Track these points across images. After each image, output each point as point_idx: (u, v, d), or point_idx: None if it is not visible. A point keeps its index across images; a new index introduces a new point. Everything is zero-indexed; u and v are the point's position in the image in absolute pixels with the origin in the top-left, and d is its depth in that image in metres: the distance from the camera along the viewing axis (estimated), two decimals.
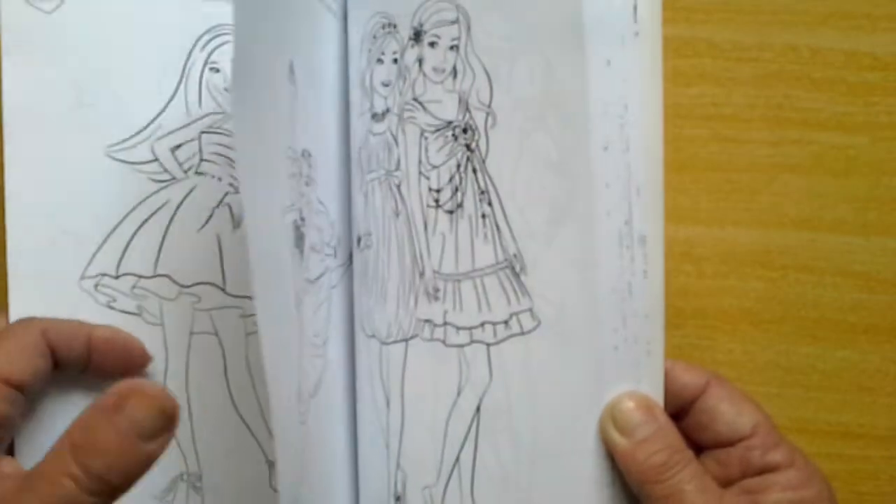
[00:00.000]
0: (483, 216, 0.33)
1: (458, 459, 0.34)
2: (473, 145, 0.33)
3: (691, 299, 0.44)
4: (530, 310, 0.33)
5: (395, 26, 0.35)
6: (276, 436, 0.31)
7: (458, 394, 0.34)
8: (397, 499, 0.35)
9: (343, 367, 0.38)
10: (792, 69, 0.44)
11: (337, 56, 0.39)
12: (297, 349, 0.34)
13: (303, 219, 0.35)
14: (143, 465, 0.29)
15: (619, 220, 0.32)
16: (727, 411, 0.33)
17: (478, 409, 0.34)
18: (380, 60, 0.36)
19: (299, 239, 0.34)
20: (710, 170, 0.44)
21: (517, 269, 0.33)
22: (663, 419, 0.32)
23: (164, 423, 0.29)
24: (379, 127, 0.36)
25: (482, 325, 0.33)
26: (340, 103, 0.39)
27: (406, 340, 0.35)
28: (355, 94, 0.38)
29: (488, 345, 0.33)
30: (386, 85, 0.35)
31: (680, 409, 0.34)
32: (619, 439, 0.31)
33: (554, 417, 0.33)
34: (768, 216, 0.44)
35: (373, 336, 0.36)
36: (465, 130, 0.34)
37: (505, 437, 0.33)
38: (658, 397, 0.32)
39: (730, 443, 0.33)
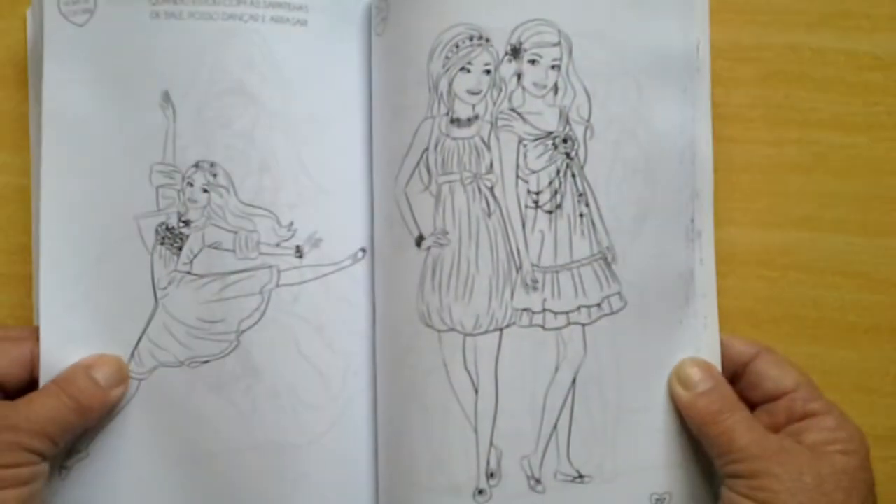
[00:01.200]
0: (581, 215, 0.39)
1: (555, 427, 0.40)
2: (573, 153, 0.39)
3: None
4: (619, 293, 0.40)
5: (488, 40, 0.39)
6: None
7: (556, 370, 0.40)
8: (490, 475, 0.40)
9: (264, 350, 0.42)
10: (792, 69, 0.44)
11: (311, 66, 0.42)
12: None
13: (184, 221, 0.41)
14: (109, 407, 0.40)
15: (686, 218, 0.40)
16: (774, 372, 0.39)
17: (573, 381, 0.40)
18: (465, 69, 0.39)
19: (169, 238, 0.41)
20: None
21: (609, 259, 0.40)
22: (719, 377, 0.39)
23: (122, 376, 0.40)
24: (463, 132, 0.39)
25: (578, 308, 0.39)
26: (312, 112, 0.42)
27: (501, 329, 0.39)
28: (413, 97, 0.40)
29: (584, 325, 0.39)
30: (475, 93, 0.39)
31: (735, 374, 0.40)
32: (682, 392, 0.39)
33: (635, 380, 0.40)
34: (768, 216, 0.44)
35: (451, 329, 0.40)
36: (565, 140, 0.39)
37: (596, 402, 0.40)
38: (715, 361, 0.40)
39: (776, 397, 0.39)
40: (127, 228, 0.41)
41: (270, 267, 0.41)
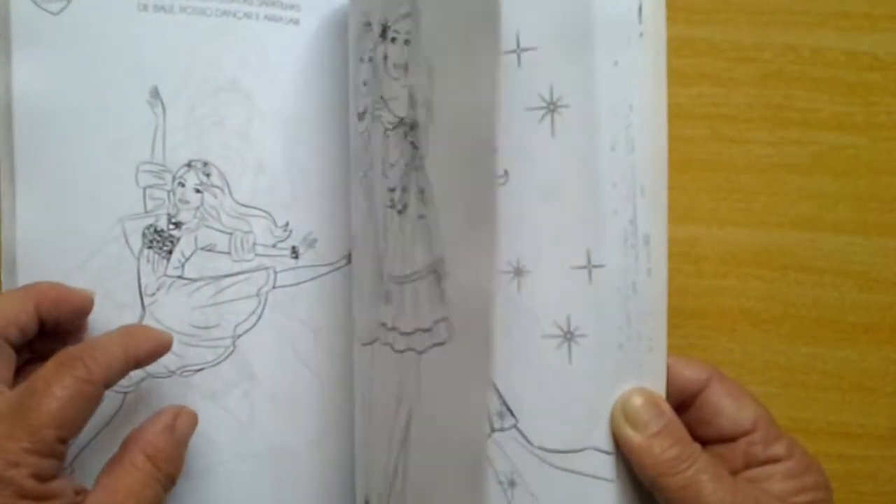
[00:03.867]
0: (420, 217, 0.32)
1: (395, 469, 0.34)
2: (417, 142, 0.32)
3: (691, 299, 0.44)
4: (446, 318, 0.31)
5: (370, 24, 0.35)
6: None
7: (398, 402, 0.33)
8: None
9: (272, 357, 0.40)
10: (792, 69, 0.44)
11: (304, 65, 0.40)
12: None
13: (175, 223, 0.39)
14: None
15: (624, 220, 0.32)
16: (729, 406, 0.34)
17: (408, 420, 0.33)
18: (362, 60, 0.36)
19: (158, 241, 0.39)
20: (710, 170, 0.44)
21: (441, 273, 0.31)
22: (670, 413, 0.32)
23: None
24: (360, 126, 0.36)
25: (415, 331, 0.32)
26: (305, 111, 0.40)
27: (371, 344, 0.35)
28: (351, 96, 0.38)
29: (418, 353, 0.32)
30: (365, 84, 0.35)
31: (682, 403, 0.34)
32: (632, 434, 0.32)
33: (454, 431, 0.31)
34: (768, 216, 0.44)
35: (357, 339, 0.37)
36: (411, 127, 0.32)
37: (431, 449, 0.32)
38: (662, 393, 0.33)
39: (732, 438, 0.34)
40: (111, 232, 0.39)
41: (267, 269, 0.40)
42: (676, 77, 0.44)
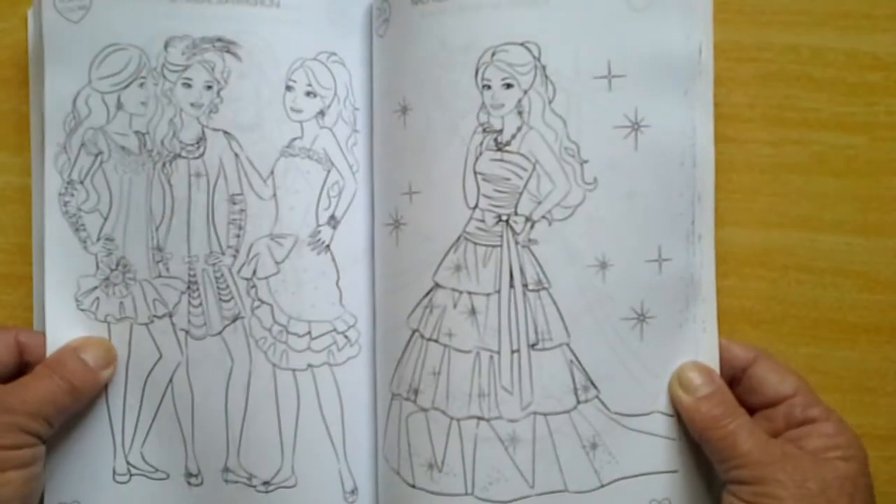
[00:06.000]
0: None
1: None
2: None
3: None
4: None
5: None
6: None
7: None
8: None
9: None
10: (792, 69, 0.44)
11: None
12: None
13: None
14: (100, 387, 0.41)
15: (687, 222, 0.39)
16: (773, 378, 0.39)
17: None
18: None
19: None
20: None
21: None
22: (720, 382, 0.39)
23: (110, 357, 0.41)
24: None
25: None
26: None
27: None
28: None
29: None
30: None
31: (733, 378, 0.40)
32: (684, 396, 0.39)
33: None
34: (768, 216, 0.44)
35: None
36: None
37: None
38: (714, 366, 0.40)
39: (775, 402, 0.39)
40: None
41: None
42: None
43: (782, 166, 0.44)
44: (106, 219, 0.41)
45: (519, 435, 0.39)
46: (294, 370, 0.41)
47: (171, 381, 0.41)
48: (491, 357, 0.39)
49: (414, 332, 0.40)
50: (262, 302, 0.41)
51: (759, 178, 0.44)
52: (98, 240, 0.41)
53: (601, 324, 0.39)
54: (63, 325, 0.41)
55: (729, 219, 0.44)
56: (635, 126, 0.39)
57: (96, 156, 0.41)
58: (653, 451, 0.39)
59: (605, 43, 0.39)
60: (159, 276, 0.41)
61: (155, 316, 0.41)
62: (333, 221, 0.42)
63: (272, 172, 0.41)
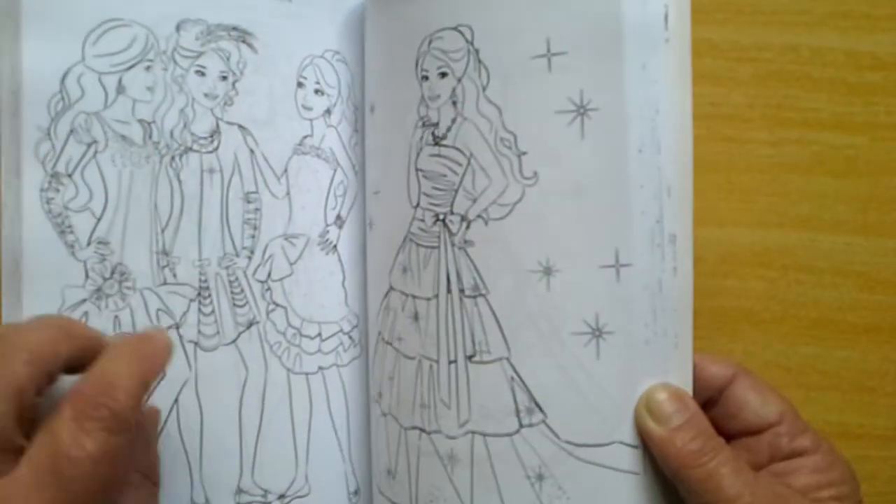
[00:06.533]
0: None
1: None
2: None
3: None
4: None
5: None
6: None
7: None
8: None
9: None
10: (792, 69, 0.44)
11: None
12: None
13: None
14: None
15: (651, 220, 0.33)
16: (754, 400, 0.34)
17: None
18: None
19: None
20: (710, 170, 0.44)
21: None
22: (694, 407, 0.33)
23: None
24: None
25: None
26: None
27: None
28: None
29: None
30: None
31: (708, 400, 0.35)
32: (654, 427, 0.32)
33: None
34: (768, 216, 0.44)
35: None
36: None
37: None
38: (687, 388, 0.33)
39: (758, 430, 0.34)
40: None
41: None
42: None
43: (782, 166, 0.44)
44: (99, 219, 0.36)
45: (457, 454, 0.35)
46: (307, 374, 0.40)
47: (175, 401, 0.37)
48: (430, 366, 0.36)
49: (379, 334, 0.39)
50: (277, 305, 0.39)
51: (758, 178, 0.44)
52: (89, 244, 0.36)
53: (546, 338, 0.34)
54: None
55: (729, 219, 0.44)
56: (581, 110, 0.33)
57: (89, 145, 0.36)
58: (612, 487, 0.33)
59: (543, 18, 0.33)
60: (165, 283, 0.37)
61: None
62: (340, 221, 0.41)
63: (286, 170, 0.40)
